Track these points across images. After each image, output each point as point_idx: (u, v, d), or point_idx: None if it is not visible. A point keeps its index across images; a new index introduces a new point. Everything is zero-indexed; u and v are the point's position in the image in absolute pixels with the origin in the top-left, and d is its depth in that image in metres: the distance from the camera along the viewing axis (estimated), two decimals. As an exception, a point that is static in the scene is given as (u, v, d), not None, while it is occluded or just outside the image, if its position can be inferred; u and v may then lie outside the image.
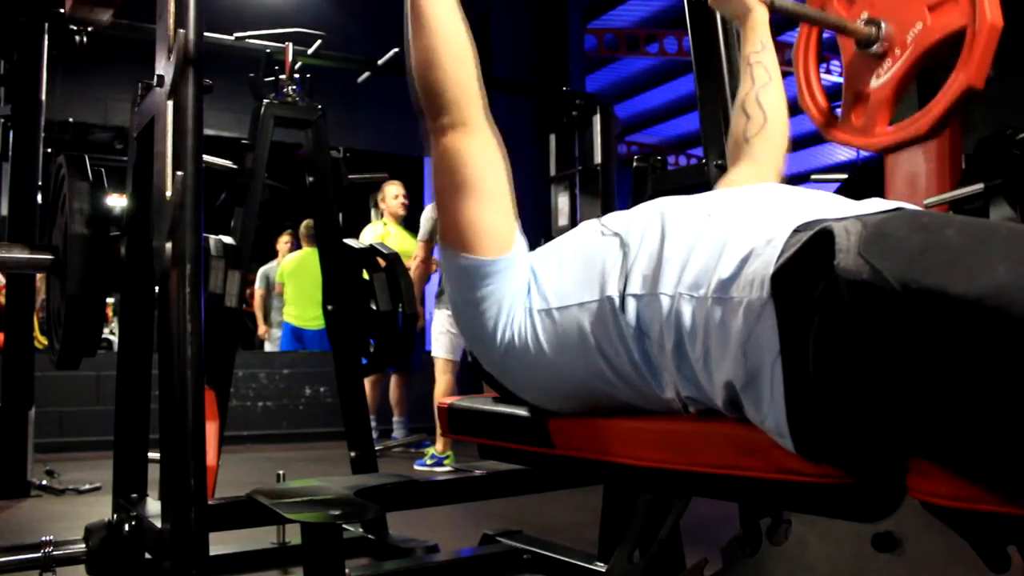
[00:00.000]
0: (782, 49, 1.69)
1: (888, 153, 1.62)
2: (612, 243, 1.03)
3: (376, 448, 2.74)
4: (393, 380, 5.02)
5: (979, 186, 1.65)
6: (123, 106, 5.17)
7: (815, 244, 0.78)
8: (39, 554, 1.51)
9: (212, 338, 2.26)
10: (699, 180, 1.99)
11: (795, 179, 1.47)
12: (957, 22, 1.47)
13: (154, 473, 1.32)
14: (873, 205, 0.91)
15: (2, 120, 3.94)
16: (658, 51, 9.73)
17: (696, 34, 1.99)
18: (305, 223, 5.68)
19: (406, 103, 1.15)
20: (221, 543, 2.19)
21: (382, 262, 2.53)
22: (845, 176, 2.68)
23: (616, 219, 1.09)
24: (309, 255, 5.69)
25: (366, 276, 2.54)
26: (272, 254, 6.75)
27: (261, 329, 6.51)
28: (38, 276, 3.65)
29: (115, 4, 1.54)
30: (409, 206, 4.91)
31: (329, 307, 2.60)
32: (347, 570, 1.93)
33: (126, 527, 1.47)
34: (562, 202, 3.79)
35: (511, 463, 1.34)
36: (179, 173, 1.17)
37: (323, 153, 2.64)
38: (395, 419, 5.09)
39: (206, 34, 1.25)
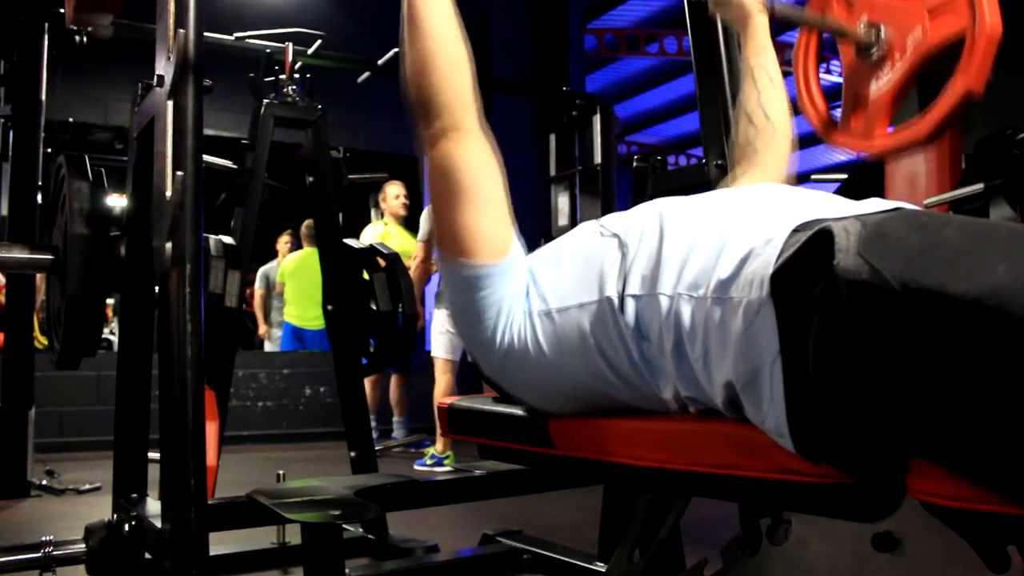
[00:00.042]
0: (782, 49, 1.69)
1: (888, 158, 1.62)
2: (611, 244, 1.03)
3: (376, 448, 2.74)
4: (393, 380, 5.02)
5: (979, 186, 1.65)
6: (123, 106, 5.17)
7: (814, 244, 0.78)
8: (39, 554, 1.51)
9: (212, 338, 2.26)
10: (699, 180, 1.99)
11: (795, 179, 1.47)
12: (957, 27, 1.47)
13: (154, 473, 1.32)
14: (872, 205, 0.91)
15: (2, 120, 3.94)
16: (658, 51, 9.74)
17: (696, 34, 1.99)
18: (306, 223, 5.68)
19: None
20: (221, 543, 2.19)
21: (382, 262, 2.53)
22: (845, 176, 2.69)
23: (615, 220, 1.09)
24: (310, 255, 5.69)
25: (366, 276, 2.54)
26: (272, 254, 6.75)
27: (262, 329, 6.51)
28: (38, 276, 3.65)
29: (116, 9, 1.53)
30: (410, 206, 4.92)
31: (329, 307, 2.60)
32: (347, 570, 1.93)
33: (126, 527, 1.46)
34: (562, 202, 3.79)
35: (511, 463, 1.34)
36: (179, 173, 1.17)
37: (323, 153, 2.64)
38: (395, 419, 5.09)
39: (206, 34, 1.25)
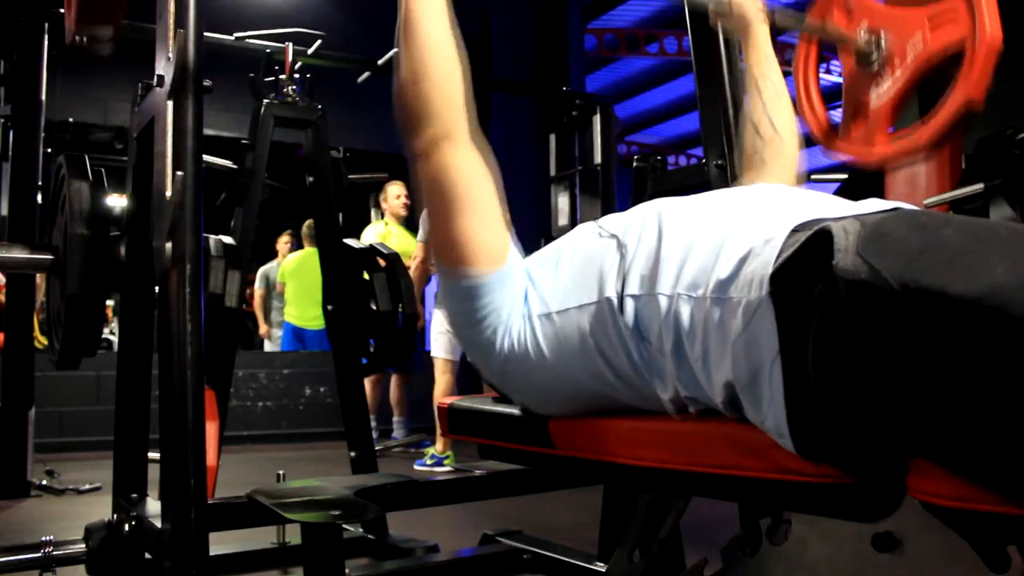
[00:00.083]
0: (782, 49, 1.70)
1: (888, 166, 1.63)
2: (609, 244, 1.03)
3: (376, 448, 2.74)
4: (393, 380, 5.02)
5: (979, 186, 1.65)
6: (123, 106, 5.17)
7: (814, 244, 0.78)
8: (39, 554, 1.51)
9: (212, 338, 2.26)
10: (699, 180, 1.99)
11: (805, 177, 1.47)
12: (957, 36, 1.47)
13: (154, 473, 1.32)
14: (871, 205, 0.91)
15: (2, 120, 3.94)
16: (658, 51, 9.74)
17: (696, 34, 1.99)
18: (307, 223, 5.68)
19: (406, 103, 1.14)
20: (221, 543, 2.19)
21: (382, 262, 2.53)
22: (845, 176, 2.68)
23: (613, 220, 1.09)
24: (310, 255, 5.69)
25: (366, 276, 2.54)
26: (272, 254, 6.75)
27: (263, 329, 6.51)
28: (38, 276, 3.65)
29: (117, 20, 1.53)
30: (410, 206, 4.92)
31: (329, 307, 2.60)
32: (347, 570, 1.93)
33: (126, 527, 1.46)
34: (562, 202, 3.79)
35: (511, 463, 1.34)
36: (179, 173, 1.17)
37: (323, 153, 2.64)
38: (395, 419, 5.09)
39: (206, 34, 1.25)
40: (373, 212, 6.17)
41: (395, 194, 4.80)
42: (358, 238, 3.97)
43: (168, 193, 1.18)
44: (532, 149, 6.19)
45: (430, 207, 1.11)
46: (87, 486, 3.52)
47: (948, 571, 0.83)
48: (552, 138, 3.78)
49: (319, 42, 2.85)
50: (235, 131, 3.40)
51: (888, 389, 0.71)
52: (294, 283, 5.98)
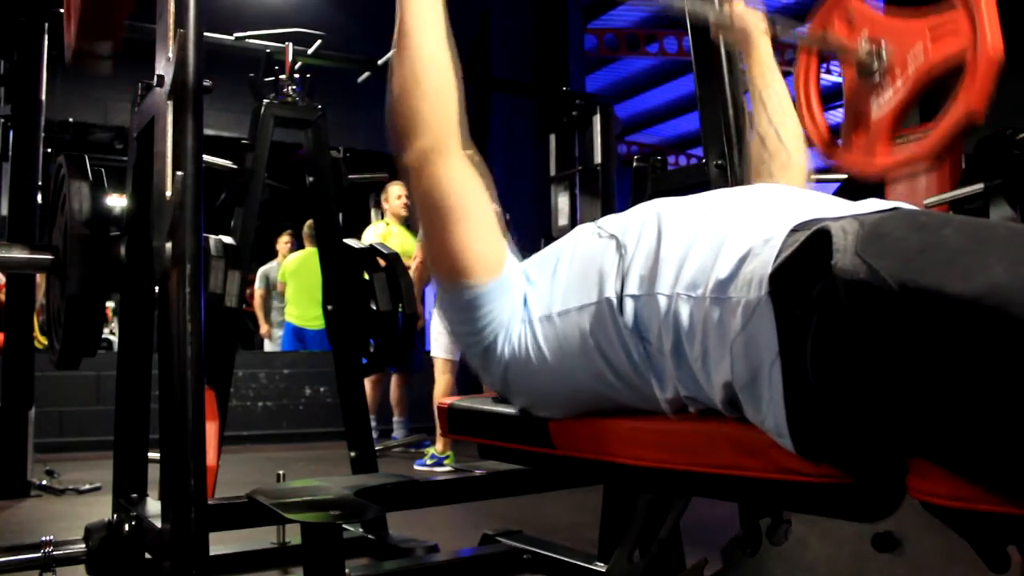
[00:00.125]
0: (782, 49, 1.70)
1: (889, 177, 1.64)
2: (609, 245, 1.03)
3: (376, 448, 2.74)
4: (393, 380, 5.02)
5: (979, 186, 1.65)
6: (123, 106, 5.17)
7: (812, 244, 0.78)
8: (39, 554, 1.51)
9: (212, 338, 2.26)
10: (699, 180, 1.99)
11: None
12: (957, 48, 1.47)
13: (154, 473, 1.32)
14: (871, 205, 0.91)
15: (2, 120, 3.94)
16: (658, 51, 9.74)
17: (696, 34, 1.99)
18: (308, 223, 5.68)
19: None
20: (221, 543, 2.19)
21: (382, 262, 2.53)
22: (845, 176, 2.68)
23: (612, 221, 1.09)
24: (311, 255, 5.69)
25: (367, 276, 2.54)
26: (272, 254, 6.76)
27: (263, 328, 6.51)
28: (38, 276, 3.65)
29: (118, 36, 1.52)
30: (411, 206, 4.91)
31: (329, 307, 2.60)
32: (347, 570, 1.93)
33: (126, 527, 1.46)
34: (562, 202, 3.80)
35: (511, 463, 1.34)
36: (179, 173, 1.17)
37: (323, 153, 2.64)
38: (395, 419, 5.09)
39: (206, 34, 1.25)
40: (373, 212, 6.17)
41: (396, 194, 4.80)
42: (358, 238, 3.97)
43: (168, 193, 1.18)
44: (532, 149, 6.19)
45: (424, 220, 1.11)
46: (87, 486, 3.52)
47: (948, 571, 0.83)
48: (552, 138, 3.78)
49: (319, 42, 2.85)
50: (235, 131, 3.40)
51: (887, 389, 0.71)
52: (295, 283, 5.98)
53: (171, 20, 1.21)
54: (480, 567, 2.27)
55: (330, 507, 1.33)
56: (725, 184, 1.84)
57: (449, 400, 1.35)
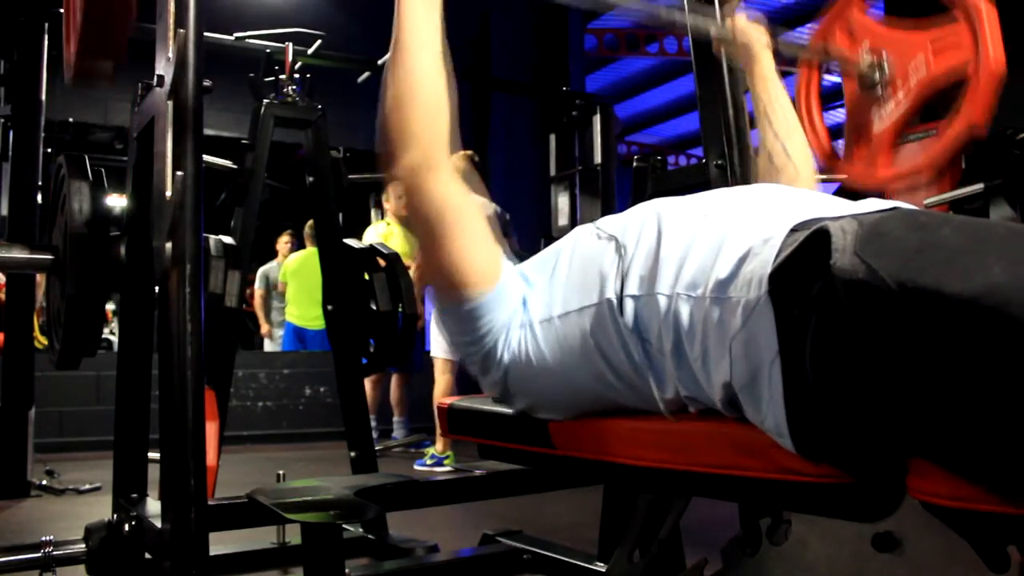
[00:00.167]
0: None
1: (890, 190, 1.65)
2: (608, 246, 1.03)
3: (376, 448, 2.74)
4: (393, 380, 5.02)
5: (979, 186, 1.66)
6: (123, 106, 5.17)
7: (812, 243, 0.78)
8: (39, 554, 1.51)
9: (212, 338, 2.26)
10: (699, 180, 1.99)
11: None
12: (959, 60, 1.47)
13: (154, 473, 1.32)
14: (870, 205, 0.91)
15: (2, 120, 3.94)
16: (658, 51, 9.73)
17: (696, 35, 1.98)
18: (309, 223, 5.69)
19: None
20: (221, 543, 2.19)
21: (382, 262, 2.53)
22: (845, 176, 2.68)
23: (611, 221, 1.09)
24: (312, 255, 5.69)
25: (367, 276, 2.54)
26: (272, 254, 6.76)
27: (264, 328, 6.52)
28: (38, 276, 3.65)
29: (119, 53, 1.51)
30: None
31: (329, 307, 2.60)
32: (347, 570, 1.93)
33: (126, 527, 1.46)
34: (562, 202, 3.80)
35: (511, 463, 1.34)
36: (179, 173, 1.17)
37: (323, 153, 2.64)
38: (395, 419, 5.09)
39: (206, 34, 1.25)
40: (373, 212, 6.16)
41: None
42: (359, 238, 3.97)
43: (168, 193, 1.17)
44: (532, 149, 6.19)
45: (422, 235, 1.11)
46: (87, 486, 3.52)
47: (948, 571, 0.83)
48: (552, 138, 3.78)
49: (319, 42, 2.85)
50: (235, 131, 3.40)
51: (886, 388, 0.71)
52: (295, 283, 5.99)
53: (171, 20, 1.21)
54: (480, 567, 2.27)
55: (330, 507, 1.33)
56: (725, 184, 1.84)
57: (449, 400, 1.35)
